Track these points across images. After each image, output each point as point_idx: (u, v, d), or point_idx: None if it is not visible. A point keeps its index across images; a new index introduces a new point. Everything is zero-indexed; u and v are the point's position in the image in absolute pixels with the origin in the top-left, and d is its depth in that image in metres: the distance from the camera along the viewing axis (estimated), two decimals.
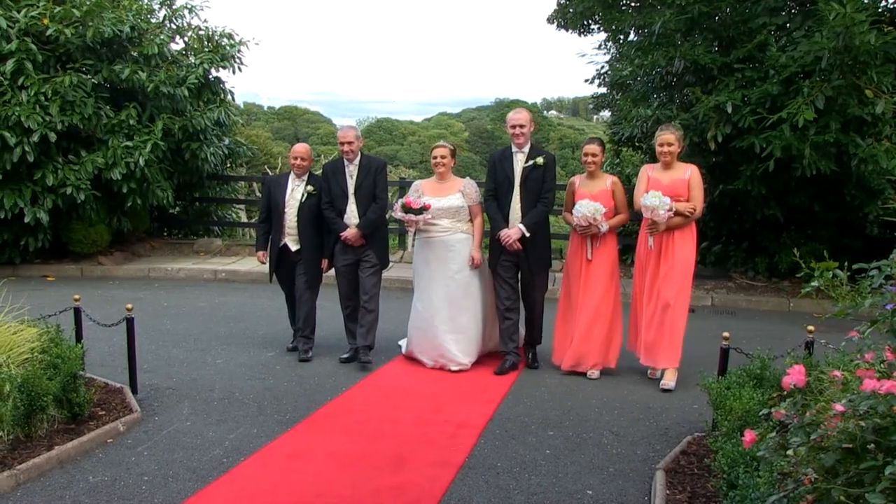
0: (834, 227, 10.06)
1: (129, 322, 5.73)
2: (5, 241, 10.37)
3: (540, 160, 6.37)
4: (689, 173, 6.24)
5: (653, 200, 6.02)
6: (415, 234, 6.93)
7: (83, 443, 4.69)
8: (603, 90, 13.39)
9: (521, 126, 6.42)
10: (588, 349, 6.40)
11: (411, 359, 6.78)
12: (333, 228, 6.68)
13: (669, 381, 6.12)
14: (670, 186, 6.14)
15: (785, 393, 2.84)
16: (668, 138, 6.25)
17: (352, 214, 6.63)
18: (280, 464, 4.58)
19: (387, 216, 6.97)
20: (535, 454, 4.74)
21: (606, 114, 15.82)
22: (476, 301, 6.61)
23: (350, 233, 6.59)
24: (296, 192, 6.80)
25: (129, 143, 10.62)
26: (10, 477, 4.18)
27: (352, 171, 6.66)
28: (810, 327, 4.96)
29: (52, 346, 5.12)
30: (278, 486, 4.28)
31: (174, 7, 12.24)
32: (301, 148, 6.94)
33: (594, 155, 6.45)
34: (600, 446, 4.93)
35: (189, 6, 12.29)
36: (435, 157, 6.68)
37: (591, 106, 18.82)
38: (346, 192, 6.65)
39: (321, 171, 7.02)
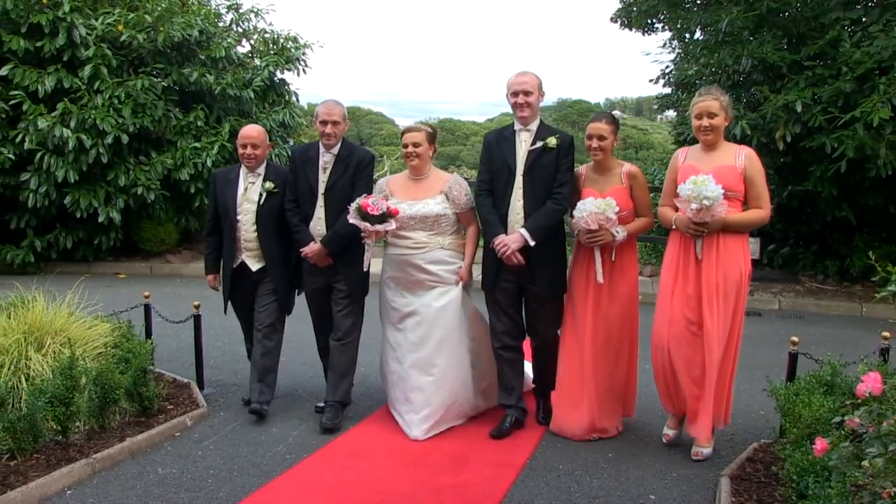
0: None
1: (197, 319, 5.88)
2: (80, 239, 10.80)
3: (552, 141, 4.63)
4: (742, 159, 4.38)
5: (688, 190, 4.24)
6: (376, 246, 5.03)
7: (153, 435, 4.84)
8: (667, 90, 13.17)
9: (527, 93, 4.65)
10: (602, 408, 4.89)
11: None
12: (296, 239, 5.07)
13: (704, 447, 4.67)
14: (714, 176, 4.25)
15: (859, 401, 2.76)
16: (708, 105, 4.33)
17: (318, 222, 4.99)
18: (341, 461, 4.63)
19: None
20: (597, 457, 4.68)
21: (671, 114, 15.56)
22: (462, 344, 4.98)
23: (311, 249, 4.96)
24: (250, 191, 5.14)
25: (197, 145, 10.95)
26: (87, 465, 4.36)
27: (326, 163, 4.98)
28: (885, 333, 4.76)
29: (123, 342, 5.33)
30: (340, 482, 4.34)
31: (241, 11, 12.57)
32: (252, 130, 5.16)
33: (601, 138, 4.57)
34: (663, 450, 4.83)
35: (255, 10, 12.61)
36: (406, 146, 4.87)
37: (655, 106, 18.53)
38: (315, 190, 5.00)
39: (290, 158, 5.43)
